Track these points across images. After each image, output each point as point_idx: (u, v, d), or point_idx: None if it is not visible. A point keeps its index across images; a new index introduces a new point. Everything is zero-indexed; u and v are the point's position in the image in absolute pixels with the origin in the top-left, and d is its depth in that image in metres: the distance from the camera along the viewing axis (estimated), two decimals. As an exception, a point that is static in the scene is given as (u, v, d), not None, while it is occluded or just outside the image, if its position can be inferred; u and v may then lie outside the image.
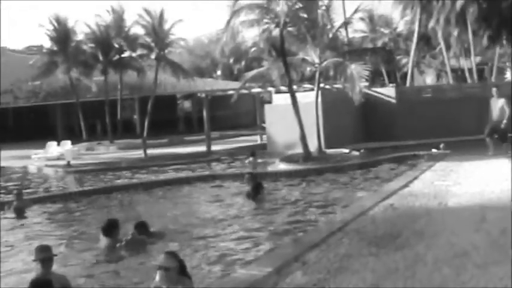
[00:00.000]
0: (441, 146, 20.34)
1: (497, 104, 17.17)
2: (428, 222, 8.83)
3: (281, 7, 19.43)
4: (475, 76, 56.41)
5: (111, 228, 9.75)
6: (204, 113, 29.94)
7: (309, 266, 6.84)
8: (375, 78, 60.55)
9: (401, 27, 69.72)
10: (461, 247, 7.27)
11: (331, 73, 24.40)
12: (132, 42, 40.58)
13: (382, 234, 8.19)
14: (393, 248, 7.41)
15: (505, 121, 16.85)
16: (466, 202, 10.33)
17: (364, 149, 22.65)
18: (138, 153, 27.59)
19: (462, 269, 6.38)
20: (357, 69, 21.00)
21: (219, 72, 67.71)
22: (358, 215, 9.54)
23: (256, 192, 13.89)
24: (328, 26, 22.76)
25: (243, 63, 65.57)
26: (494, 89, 17.98)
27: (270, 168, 20.27)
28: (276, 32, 21.17)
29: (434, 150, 20.17)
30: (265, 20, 20.92)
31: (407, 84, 42.27)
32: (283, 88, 25.66)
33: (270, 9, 20.48)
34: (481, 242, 7.45)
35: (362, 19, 65.17)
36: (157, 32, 38.04)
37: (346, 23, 26.56)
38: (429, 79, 62.69)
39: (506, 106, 17.00)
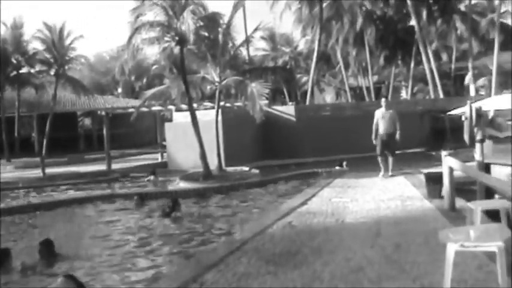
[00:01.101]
0: (344, 163, 20.88)
1: (386, 116, 16.70)
2: (325, 239, 8.96)
3: (186, 25, 19.34)
4: (373, 94, 58.24)
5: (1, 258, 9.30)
6: (104, 131, 29.43)
7: (207, 287, 6.80)
8: (275, 97, 61.46)
9: (301, 46, 71.06)
10: (357, 263, 7.42)
11: (233, 91, 24.63)
12: (31, 57, 39.52)
13: (280, 252, 8.25)
14: (291, 265, 7.47)
15: (398, 133, 16.52)
16: (362, 218, 10.59)
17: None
18: (37, 172, 26.68)
19: (357, 285, 6.50)
20: (258, 88, 21.25)
21: (119, 90, 66.80)
22: (257, 233, 9.56)
23: (171, 210, 13.77)
24: (229, 45, 22.91)
25: (144, 80, 65.04)
26: (383, 100, 17.66)
27: (170, 187, 20.11)
28: (177, 50, 21.13)
29: (337, 167, 20.68)
30: (166, 38, 20.82)
31: (307, 102, 43.06)
32: (183, 106, 25.65)
33: (171, 27, 20.38)
34: (375, 258, 7.64)
35: (263, 38, 66.08)
36: (57, 48, 37.13)
37: (247, 42, 26.81)
38: (329, 97, 64.23)
39: (396, 119, 16.73)
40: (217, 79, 22.45)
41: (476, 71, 51.52)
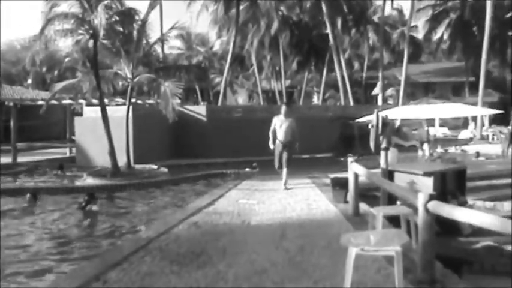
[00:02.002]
0: (254, 164, 21.05)
1: (285, 124, 14.89)
2: (231, 240, 9.00)
3: (98, 19, 18.97)
4: (285, 98, 59.01)
5: None
6: (12, 123, 28.54)
7: (109, 285, 6.69)
8: (188, 96, 61.25)
9: (217, 46, 71.25)
10: (260, 264, 7.50)
11: (145, 89, 24.39)
12: None
13: (185, 252, 8.22)
14: (195, 266, 7.47)
15: (297, 144, 15.05)
16: (268, 220, 10.69)
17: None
18: None
19: (260, 286, 6.58)
20: (171, 87, 21.13)
21: (29, 81, 64.86)
22: (162, 232, 9.48)
23: (86, 204, 13.64)
24: (144, 42, 22.67)
25: (56, 72, 63.45)
26: (283, 107, 15.40)
27: (77, 183, 19.69)
28: (90, 43, 20.71)
29: (248, 169, 20.83)
30: (80, 31, 20.38)
31: (219, 102, 43.15)
32: (94, 101, 25.21)
33: (85, 20, 19.95)
34: (279, 260, 7.73)
35: (179, 36, 65.78)
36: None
37: (161, 40, 26.59)
38: (241, 99, 64.60)
39: (295, 127, 15.06)
40: (129, 75, 22.14)
41: (386, 81, 53.14)
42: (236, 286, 6.62)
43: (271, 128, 15.10)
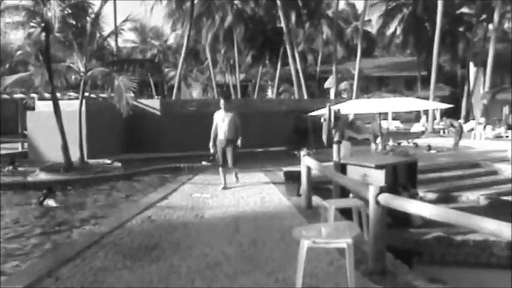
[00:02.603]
0: (211, 158, 21.02)
1: (227, 119, 13.85)
2: (184, 234, 8.99)
3: (52, 12, 18.66)
4: (239, 92, 58.99)
5: None
6: (-41, 117, 28.00)
7: (62, 282, 6.61)
8: (142, 90, 60.77)
9: (171, 40, 70.80)
10: (214, 258, 7.53)
11: (99, 82, 24.12)
12: None
13: (138, 246, 8.20)
14: (149, 260, 7.45)
15: (240, 139, 13.86)
16: (222, 214, 10.71)
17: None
18: None
19: (214, 280, 6.60)
20: (125, 81, 20.93)
21: (-22, 74, 63.32)
22: (116, 227, 9.42)
23: (44, 198, 13.65)
24: (97, 35, 22.42)
25: (7, 66, 62.16)
26: (222, 102, 14.31)
27: (29, 178, 19.38)
28: (42, 36, 20.37)
29: (204, 162, 20.78)
30: (32, 24, 20.04)
31: (174, 96, 42.93)
32: (47, 95, 24.83)
33: (37, 13, 19.61)
34: (232, 253, 7.77)
35: (134, 29, 65.20)
36: None
37: (116, 33, 26.32)
38: (195, 93, 64.31)
39: (238, 122, 14.00)
40: (82, 69, 21.83)
41: (339, 75, 53.56)
42: (189, 280, 6.63)
43: (213, 126, 14.01)
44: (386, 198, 6.43)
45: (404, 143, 29.50)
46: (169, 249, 8.04)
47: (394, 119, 46.60)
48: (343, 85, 55.72)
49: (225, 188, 13.85)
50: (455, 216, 5.37)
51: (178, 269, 7.06)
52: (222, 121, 13.88)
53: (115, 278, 6.72)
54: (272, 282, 6.49)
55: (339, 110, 12.23)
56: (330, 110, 11.68)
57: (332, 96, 49.47)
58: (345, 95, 52.30)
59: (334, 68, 50.76)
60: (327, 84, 54.18)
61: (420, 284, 6.28)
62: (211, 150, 14.12)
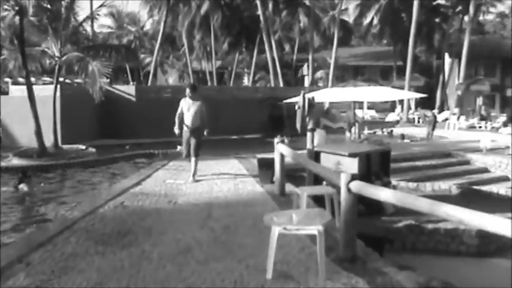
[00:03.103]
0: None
1: (193, 108, 13.11)
2: (156, 220, 8.98)
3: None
4: (215, 79, 58.80)
5: None
6: None
7: (33, 267, 6.56)
8: (118, 75, 60.38)
9: (148, 26, 70.35)
10: (186, 244, 7.54)
11: (76, 68, 23.83)
12: None
13: (110, 232, 8.17)
14: (120, 246, 7.43)
15: (206, 129, 13.21)
16: (195, 200, 10.71)
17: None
18: None
19: (185, 265, 6.60)
20: (99, 67, 20.75)
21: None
22: (88, 213, 9.38)
23: (19, 182, 13.69)
24: (72, 19, 22.21)
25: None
26: (187, 90, 13.49)
27: (2, 163, 19.16)
28: (16, 20, 20.12)
29: (179, 147, 20.71)
30: (5, 7, 19.78)
31: (149, 83, 42.69)
32: (21, 80, 24.56)
33: (10, -5, 19.39)
34: (204, 239, 7.79)
35: (110, 15, 64.70)
36: None
37: (90, 18, 26.06)
38: (171, 79, 64.01)
39: (205, 111, 13.24)
40: (57, 54, 21.59)
41: (316, 64, 53.63)
42: (160, 265, 6.62)
43: (178, 111, 13.29)
44: (357, 186, 6.47)
45: (379, 132, 29.70)
46: (141, 235, 8.02)
47: (369, 108, 46.85)
48: (319, 74, 55.86)
49: (193, 181, 13.09)
50: (424, 204, 5.41)
51: (149, 254, 7.05)
52: (187, 110, 13.17)
53: (86, 264, 6.69)
54: (243, 268, 6.50)
55: (313, 98, 12.26)
56: (304, 97, 11.69)
57: (307, 84, 49.54)
58: (320, 84, 52.45)
59: (310, 57, 50.82)
60: (301, 72, 54.19)
61: (389, 271, 6.34)
62: (176, 133, 13.32)
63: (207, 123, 13.28)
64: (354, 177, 6.57)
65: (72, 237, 7.91)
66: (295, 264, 6.62)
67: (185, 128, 13.24)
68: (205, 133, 13.22)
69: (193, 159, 13.27)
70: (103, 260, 6.85)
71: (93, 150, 21.66)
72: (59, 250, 7.26)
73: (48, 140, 20.90)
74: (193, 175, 13.27)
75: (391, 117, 45.16)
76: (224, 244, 7.54)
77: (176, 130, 13.25)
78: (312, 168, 9.53)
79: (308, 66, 50.74)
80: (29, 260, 6.82)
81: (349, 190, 6.52)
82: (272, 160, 11.66)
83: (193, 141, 13.17)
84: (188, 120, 13.15)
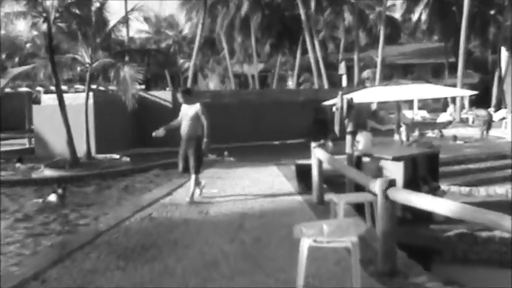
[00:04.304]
0: (225, 152, 20.86)
1: (190, 113, 11.75)
2: (184, 232, 8.82)
3: (50, 1, 18.61)
4: (257, 82, 58.64)
5: None
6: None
7: (48, 284, 6.46)
8: (158, 82, 60.86)
9: (186, 30, 70.74)
10: (212, 257, 7.35)
11: (111, 74, 23.99)
12: None
13: (134, 246, 8.02)
14: (143, 260, 7.28)
15: (205, 140, 11.58)
16: (227, 210, 10.55)
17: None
18: None
19: (209, 281, 6.41)
20: (131, 72, 20.81)
21: (-13, 68, 63.72)
22: (113, 226, 9.28)
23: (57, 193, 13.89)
24: (103, 25, 22.35)
25: (16, 59, 62.48)
26: (179, 95, 12.41)
27: (34, 175, 19.33)
28: (45, 27, 20.36)
29: (226, 152, 20.67)
30: (33, 14, 19.99)
31: (188, 88, 42.79)
32: (53, 88, 24.79)
33: (38, 2, 19.55)
34: (232, 252, 7.59)
35: (146, 19, 65.29)
36: None
37: (122, 22, 26.21)
38: (212, 84, 64.20)
39: (202, 115, 11.69)
40: (88, 60, 21.76)
41: (362, 63, 53.12)
42: (183, 281, 6.44)
43: (178, 117, 12.09)
44: (395, 192, 6.16)
45: (429, 133, 29.10)
46: (166, 248, 7.87)
47: (420, 108, 46.05)
48: (366, 73, 55.31)
49: (190, 202, 11.43)
50: (471, 213, 5.08)
51: (173, 269, 6.88)
52: (186, 115, 11.85)
53: (105, 280, 6.55)
54: (272, 282, 6.29)
55: (351, 99, 11.92)
56: (342, 98, 11.40)
57: (344, 83, 49.12)
58: (367, 84, 51.86)
59: (356, 56, 50.37)
60: (340, 71, 53.79)
61: (433, 286, 6.00)
62: (153, 134, 12.16)
63: (208, 131, 11.60)
64: (391, 183, 6.26)
65: (93, 252, 7.79)
66: (329, 278, 6.37)
67: (182, 137, 11.87)
68: (203, 145, 11.61)
69: (192, 177, 11.66)
70: (123, 276, 6.70)
71: (127, 159, 21.73)
72: (77, 266, 7.14)
73: (82, 150, 21.03)
74: (192, 195, 11.64)
75: (443, 117, 44.25)
76: (253, 257, 7.33)
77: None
78: (348, 173, 9.23)
79: (344, 65, 50.29)
80: (45, 277, 6.70)
81: (386, 197, 6.21)
82: (310, 166, 11.38)
83: (190, 154, 11.60)
84: (183, 129, 11.78)
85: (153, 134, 12.07)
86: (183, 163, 11.76)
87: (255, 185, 13.60)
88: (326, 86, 47.97)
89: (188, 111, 11.79)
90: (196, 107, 11.76)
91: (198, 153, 11.64)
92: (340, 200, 8.33)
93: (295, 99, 31.55)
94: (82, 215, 12.61)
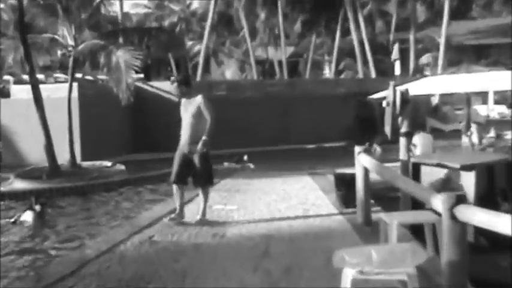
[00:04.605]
0: (245, 157, 20.94)
1: (191, 108, 11.43)
2: (194, 260, 8.88)
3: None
4: (285, 71, 58.44)
5: None
6: None
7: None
8: (160, 69, 61.02)
9: (195, 4, 70.76)
10: (230, 293, 7.38)
11: (102, 60, 24.03)
12: None
13: (130, 277, 8.09)
14: (141, 297, 7.35)
15: (204, 137, 11.29)
16: (249, 233, 10.61)
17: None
18: None
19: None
20: (125, 57, 20.73)
21: None
22: (104, 251, 9.36)
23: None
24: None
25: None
26: (175, 85, 11.98)
27: (1, 188, 19.44)
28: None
29: (245, 158, 20.74)
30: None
31: (198, 77, 42.90)
32: (26, 77, 24.92)
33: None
34: (257, 285, 7.64)
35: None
36: None
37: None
38: (229, 72, 64.20)
39: (206, 110, 11.39)
40: (71, 42, 21.80)
41: (420, 46, 52.87)
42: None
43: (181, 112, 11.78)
44: (466, 211, 6.11)
45: (509, 135, 28.95)
46: (171, 281, 7.91)
47: (497, 102, 45.74)
48: (425, 58, 55.10)
49: (175, 218, 11.37)
50: None
51: (179, 307, 6.94)
52: (186, 111, 11.59)
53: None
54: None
55: (407, 91, 11.88)
56: (394, 91, 11.36)
57: (398, 71, 48.97)
58: (427, 72, 51.68)
59: (412, 36, 50.20)
60: (393, 56, 53.66)
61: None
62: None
63: (211, 129, 11.40)
64: (460, 200, 6.20)
65: (77, 285, 7.83)
66: (379, 320, 6.34)
67: (182, 141, 11.64)
68: (199, 146, 11.30)
69: (201, 191, 11.60)
70: (115, 317, 6.76)
71: (122, 167, 21.88)
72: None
73: (65, 156, 21.14)
74: (203, 213, 11.54)
75: (528, 114, 44.06)
76: (282, 291, 7.33)
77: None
78: (402, 185, 9.18)
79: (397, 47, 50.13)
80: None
81: (453, 217, 6.16)
82: (353, 176, 11.37)
83: (197, 164, 11.38)
84: (184, 131, 11.61)
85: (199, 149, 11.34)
86: (178, 171, 11.50)
87: (284, 200, 13.68)
88: (373, 74, 47.87)
89: (188, 108, 11.53)
90: (197, 101, 11.43)
91: (206, 162, 11.48)
92: (393, 220, 8.30)
93: (333, 92, 31.58)
94: (64, 238, 12.66)
